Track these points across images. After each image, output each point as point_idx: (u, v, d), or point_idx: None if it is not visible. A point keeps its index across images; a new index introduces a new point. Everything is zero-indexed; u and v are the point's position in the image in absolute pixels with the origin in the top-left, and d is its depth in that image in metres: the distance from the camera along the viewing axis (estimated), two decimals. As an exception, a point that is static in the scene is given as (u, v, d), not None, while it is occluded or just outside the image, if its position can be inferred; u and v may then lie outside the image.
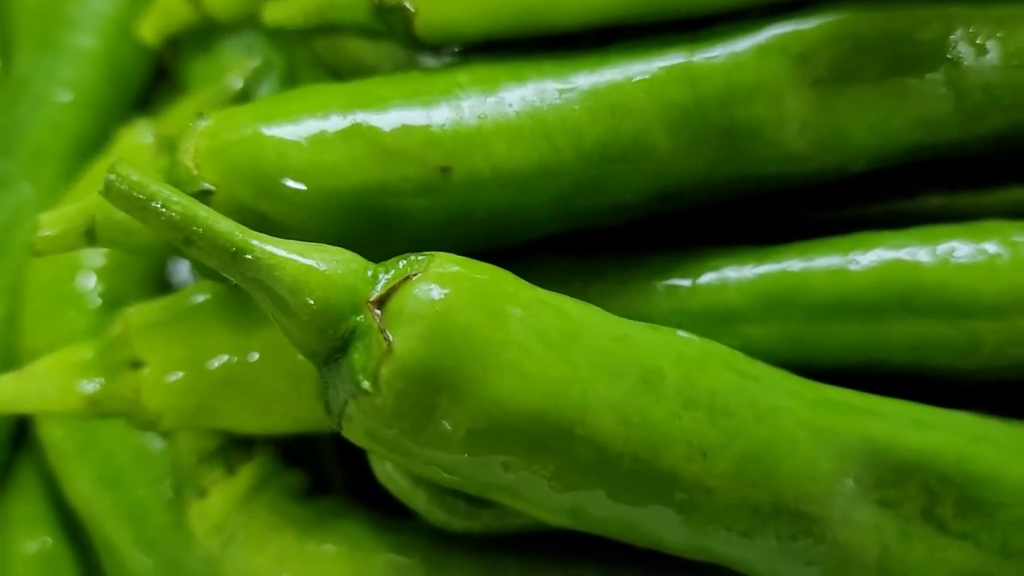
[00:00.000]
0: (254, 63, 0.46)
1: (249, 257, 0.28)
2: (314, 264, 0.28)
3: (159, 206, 0.27)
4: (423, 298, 0.28)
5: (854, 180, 0.38)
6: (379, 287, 0.28)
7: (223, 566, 0.37)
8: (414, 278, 0.28)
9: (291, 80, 0.49)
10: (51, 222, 0.34)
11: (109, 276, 0.45)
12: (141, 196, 0.27)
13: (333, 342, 0.28)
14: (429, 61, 0.38)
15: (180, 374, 0.36)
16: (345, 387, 0.28)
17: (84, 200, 0.33)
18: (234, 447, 0.39)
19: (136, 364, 0.36)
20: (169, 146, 0.45)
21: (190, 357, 0.36)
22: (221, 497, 0.38)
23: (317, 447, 0.43)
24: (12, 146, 0.49)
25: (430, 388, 0.27)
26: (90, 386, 0.36)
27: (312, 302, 0.28)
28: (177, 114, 0.46)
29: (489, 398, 0.27)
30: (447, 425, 0.27)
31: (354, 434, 0.28)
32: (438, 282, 0.28)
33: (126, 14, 0.53)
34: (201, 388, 0.36)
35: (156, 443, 0.44)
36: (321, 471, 0.41)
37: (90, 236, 0.33)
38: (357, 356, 0.28)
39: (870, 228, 0.36)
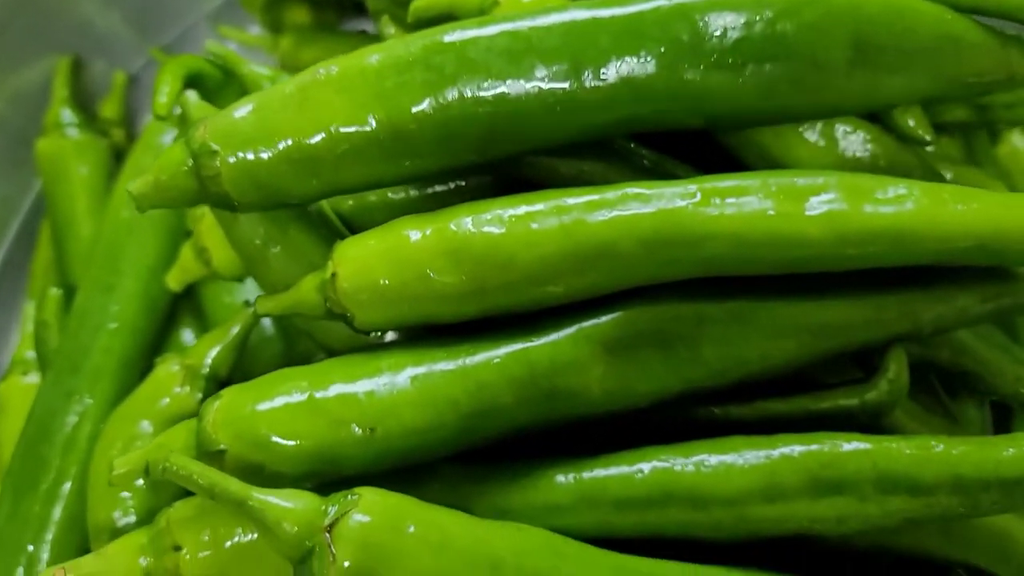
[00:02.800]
0: (249, 310, 0.65)
1: (250, 503, 0.46)
2: (288, 505, 0.47)
3: (196, 478, 0.46)
4: (354, 525, 0.46)
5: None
6: (328, 517, 0.46)
7: None
8: (349, 511, 0.46)
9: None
10: (121, 464, 0.52)
11: (151, 466, 0.64)
12: (184, 472, 0.46)
13: (302, 553, 0.46)
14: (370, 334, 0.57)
15: (207, 552, 0.54)
16: (309, 581, 0.46)
17: (143, 451, 0.52)
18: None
19: (176, 548, 0.54)
20: (192, 375, 0.64)
21: (214, 541, 0.53)
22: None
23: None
24: (79, 367, 0.68)
25: (359, 581, 0.46)
26: (144, 561, 0.54)
27: (288, 529, 0.46)
28: (197, 350, 0.65)
29: (395, 587, 0.46)
30: (370, 602, 0.46)
31: (316, 608, 0.47)
32: (363, 512, 0.46)
33: (157, 258, 0.72)
34: (222, 562, 0.53)
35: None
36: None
37: (146, 472, 0.52)
38: (315, 563, 0.45)
39: (662, 438, 0.55)
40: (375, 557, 0.45)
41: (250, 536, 0.54)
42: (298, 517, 0.46)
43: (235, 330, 0.63)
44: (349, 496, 0.47)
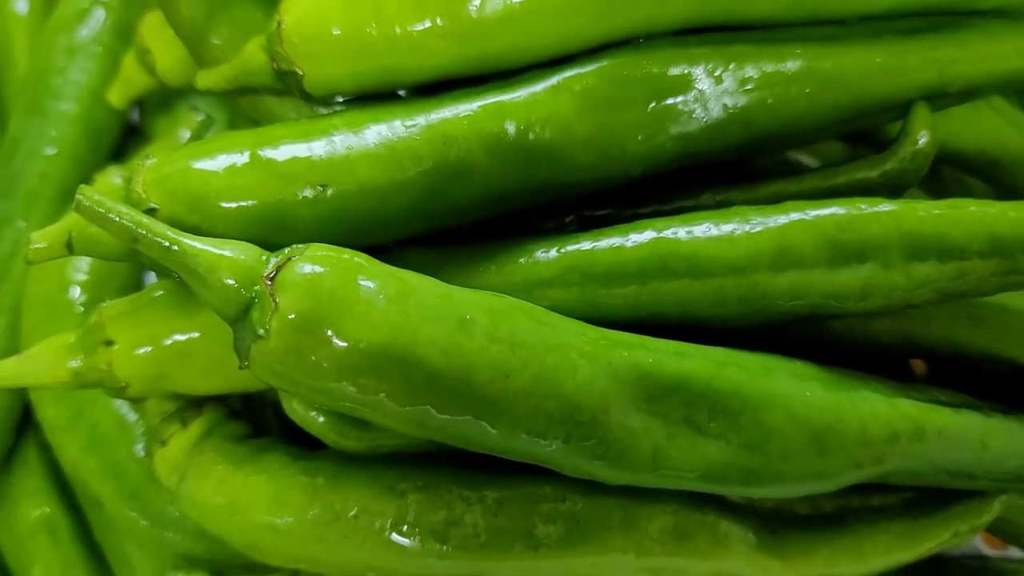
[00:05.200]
0: (199, 118, 0.58)
1: (177, 249, 0.40)
2: (224, 253, 0.40)
3: (113, 216, 0.40)
4: (300, 272, 0.39)
5: (661, 184, 0.50)
6: (270, 266, 0.40)
7: (180, 496, 0.48)
8: (294, 259, 0.40)
9: (232, 130, 0.62)
10: (39, 237, 0.46)
11: (90, 289, 0.58)
12: (101, 209, 0.40)
13: (240, 306, 0.40)
14: (322, 110, 0.51)
15: (142, 349, 0.48)
16: (248, 336, 0.40)
17: (64, 220, 0.46)
18: (188, 407, 0.51)
19: (109, 343, 0.47)
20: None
21: (150, 336, 0.47)
22: (177, 445, 0.50)
23: (263, 405, 0.55)
24: (10, 192, 0.62)
25: (305, 333, 0.39)
26: (74, 362, 0.48)
27: (224, 278, 0.40)
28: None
29: (346, 338, 0.39)
30: (317, 359, 0.39)
31: (257, 370, 0.40)
32: (311, 261, 0.40)
33: (100, 82, 0.66)
34: (159, 359, 0.47)
35: (130, 415, 0.56)
36: (264, 422, 0.53)
37: (69, 247, 0.46)
38: (255, 314, 0.39)
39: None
40: (325, 305, 0.39)
41: (191, 334, 0.48)
42: (235, 266, 0.40)
43: (185, 135, 0.57)
44: (297, 246, 0.41)
